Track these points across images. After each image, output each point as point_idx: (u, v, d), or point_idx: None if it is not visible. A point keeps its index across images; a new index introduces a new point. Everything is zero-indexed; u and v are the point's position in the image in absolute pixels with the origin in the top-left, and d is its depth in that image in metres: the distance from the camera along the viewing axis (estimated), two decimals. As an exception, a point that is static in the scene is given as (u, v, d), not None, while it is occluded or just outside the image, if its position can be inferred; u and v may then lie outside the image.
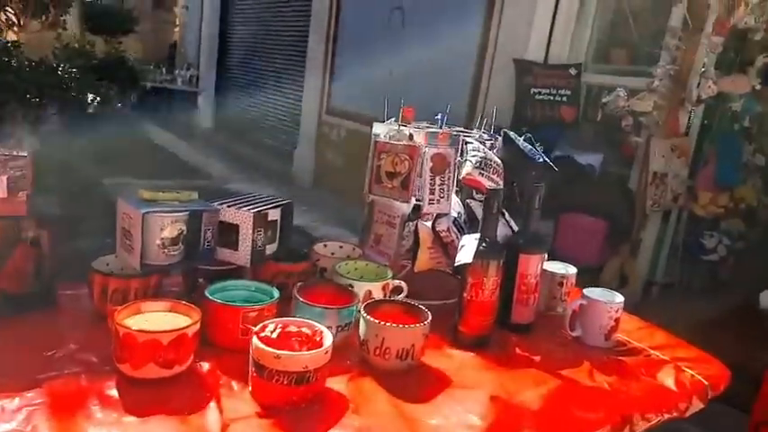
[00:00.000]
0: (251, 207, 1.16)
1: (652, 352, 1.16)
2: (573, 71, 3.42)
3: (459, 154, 1.24)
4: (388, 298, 1.17)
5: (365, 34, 5.05)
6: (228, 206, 1.15)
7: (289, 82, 6.44)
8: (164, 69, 8.43)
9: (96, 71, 3.63)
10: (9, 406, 0.79)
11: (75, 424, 0.78)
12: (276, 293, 1.06)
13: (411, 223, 1.29)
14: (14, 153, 0.96)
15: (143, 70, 5.83)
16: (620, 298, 1.18)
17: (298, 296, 1.06)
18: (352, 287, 1.16)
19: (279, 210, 1.23)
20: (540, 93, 3.43)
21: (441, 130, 1.25)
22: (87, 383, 0.87)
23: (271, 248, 1.22)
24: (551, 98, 3.43)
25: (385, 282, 1.20)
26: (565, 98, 3.41)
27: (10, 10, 2.46)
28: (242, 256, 1.15)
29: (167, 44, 9.47)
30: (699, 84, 2.79)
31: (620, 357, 1.12)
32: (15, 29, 2.58)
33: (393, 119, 1.39)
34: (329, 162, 5.50)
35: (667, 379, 1.06)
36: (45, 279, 1.08)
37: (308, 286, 1.13)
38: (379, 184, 1.32)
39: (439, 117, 1.34)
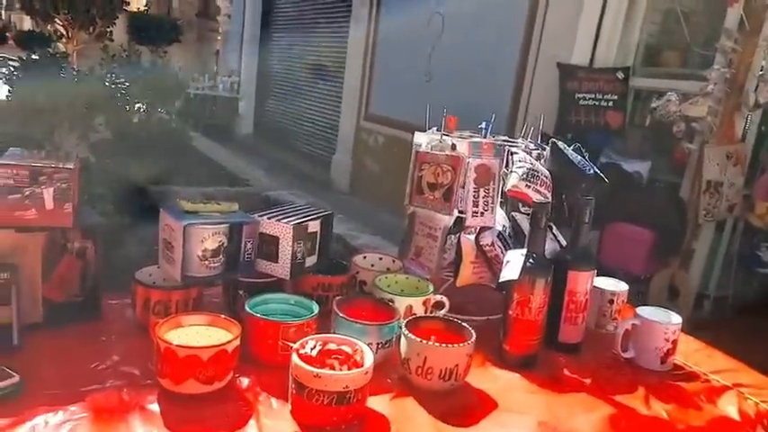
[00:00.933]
0: (291, 219, 1.15)
1: (712, 377, 1.09)
2: (620, 75, 3.32)
3: (504, 165, 1.20)
4: (429, 314, 1.14)
5: (404, 40, 5.03)
6: (268, 218, 1.14)
7: (328, 88, 6.48)
8: (206, 76, 8.62)
9: (142, 80, 3.72)
10: (52, 420, 0.79)
11: (116, 439, 0.78)
12: (316, 308, 1.04)
13: (453, 236, 1.25)
14: (60, 165, 0.97)
15: (187, 78, 5.96)
16: (677, 318, 1.11)
17: (338, 311, 1.04)
18: (393, 302, 1.13)
19: (318, 221, 1.21)
20: (584, 98, 3.34)
21: (485, 140, 1.21)
22: (129, 397, 0.87)
23: (310, 260, 1.21)
24: (597, 103, 3.33)
25: (426, 297, 1.16)
26: (611, 103, 3.30)
27: (59, 22, 2.55)
28: (282, 268, 1.14)
29: (211, 52, 9.69)
30: (756, 87, 2.65)
31: (678, 382, 1.05)
32: (64, 40, 2.67)
33: (435, 128, 1.36)
34: (367, 169, 5.50)
35: (729, 407, 0.99)
36: (90, 289, 1.09)
37: (348, 300, 1.11)
38: (420, 196, 1.29)
39: (483, 126, 1.30)
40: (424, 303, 1.16)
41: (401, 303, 1.13)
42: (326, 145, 6.42)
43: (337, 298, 1.11)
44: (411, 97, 5.09)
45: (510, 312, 1.07)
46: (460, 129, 1.37)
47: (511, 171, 1.15)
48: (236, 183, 5.26)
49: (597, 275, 1.20)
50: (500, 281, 1.08)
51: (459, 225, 1.25)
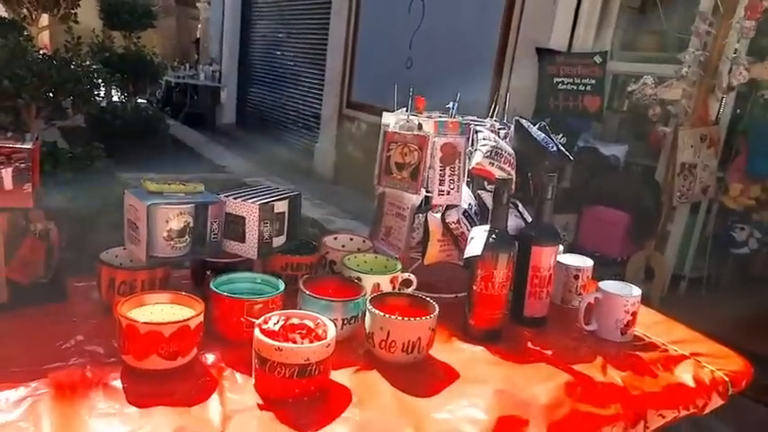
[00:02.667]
0: (257, 199, 1.15)
1: (670, 347, 1.12)
2: (598, 59, 3.34)
3: (469, 143, 1.21)
4: (396, 291, 1.15)
5: (385, 26, 5.01)
6: (234, 198, 1.14)
7: (310, 76, 6.45)
8: (187, 65, 8.52)
9: (114, 66, 3.65)
10: (13, 396, 0.80)
11: (76, 414, 0.78)
12: (281, 286, 1.05)
13: (421, 215, 1.26)
14: (18, 145, 0.96)
15: (163, 65, 5.87)
16: (637, 291, 1.14)
17: (303, 289, 1.05)
18: (360, 280, 1.14)
19: (286, 201, 1.22)
20: (563, 82, 3.36)
21: (450, 119, 1.22)
22: (92, 374, 0.87)
23: (278, 241, 1.21)
24: (575, 88, 3.35)
25: (394, 274, 1.17)
26: (589, 87, 3.33)
27: (25, 5, 2.52)
28: (249, 248, 1.14)
29: (191, 40, 9.57)
30: (730, 70, 2.68)
31: (637, 352, 1.08)
32: (27, 22, 2.62)
33: (404, 108, 1.37)
34: (349, 156, 5.49)
35: (685, 374, 1.02)
36: (55, 271, 1.08)
37: (315, 279, 1.11)
38: (388, 176, 1.30)
39: (450, 106, 1.31)
40: (392, 281, 1.17)
41: (368, 281, 1.14)
42: (309, 133, 6.40)
43: (304, 277, 1.12)
44: (393, 84, 5.08)
45: (474, 288, 1.09)
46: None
47: (475, 149, 1.16)
48: (214, 170, 5.22)
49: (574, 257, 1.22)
50: (464, 257, 1.09)
51: (427, 204, 1.26)
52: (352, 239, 1.40)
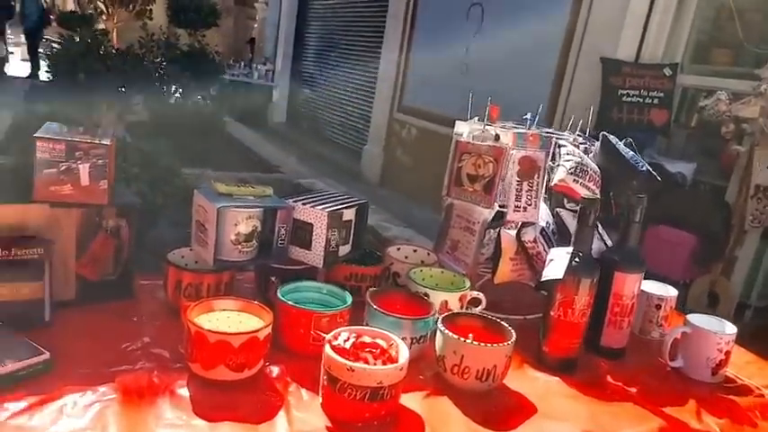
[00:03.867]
0: (326, 206, 1.12)
1: (766, 391, 1.02)
2: (668, 71, 3.19)
3: (549, 158, 1.14)
4: (465, 310, 1.10)
5: (442, 31, 4.95)
6: (303, 204, 1.11)
7: (362, 78, 6.45)
8: (242, 63, 8.67)
9: (180, 63, 3.70)
10: (81, 401, 0.78)
11: (144, 423, 0.76)
12: (349, 299, 1.01)
13: (492, 231, 1.20)
14: (97, 141, 0.95)
15: (223, 64, 5.95)
16: (731, 328, 1.05)
17: (371, 303, 1.00)
18: (428, 296, 1.09)
19: (354, 210, 1.18)
20: (628, 94, 3.23)
21: (530, 131, 1.16)
22: (159, 380, 0.85)
23: (344, 249, 1.17)
24: (641, 100, 3.21)
25: (463, 292, 1.12)
26: (656, 100, 3.19)
27: (100, 0, 2.55)
28: (315, 256, 1.11)
29: (246, 39, 9.75)
30: (814, 89, 2.51)
31: (730, 396, 0.99)
32: (104, 17, 2.66)
33: (476, 117, 1.31)
34: (398, 161, 5.45)
35: (787, 426, 0.93)
36: (123, 268, 1.07)
37: (381, 293, 1.07)
38: (459, 187, 1.24)
39: (528, 117, 1.25)
40: (461, 299, 1.12)
41: (436, 298, 1.09)
42: (358, 135, 6.39)
43: (371, 289, 1.07)
44: (446, 89, 5.02)
45: (552, 313, 1.02)
46: (503, 121, 1.31)
47: (558, 164, 1.10)
48: (268, 169, 5.23)
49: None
50: (542, 279, 1.03)
51: (499, 219, 1.20)
52: (415, 251, 1.35)
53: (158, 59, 2.52)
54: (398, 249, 1.33)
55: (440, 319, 0.96)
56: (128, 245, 1.06)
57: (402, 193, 5.12)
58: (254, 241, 1.07)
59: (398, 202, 4.86)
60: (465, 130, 1.26)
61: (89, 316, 1.00)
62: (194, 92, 4.35)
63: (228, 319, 0.92)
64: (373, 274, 1.19)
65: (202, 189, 1.08)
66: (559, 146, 1.12)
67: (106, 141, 0.96)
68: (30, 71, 9.06)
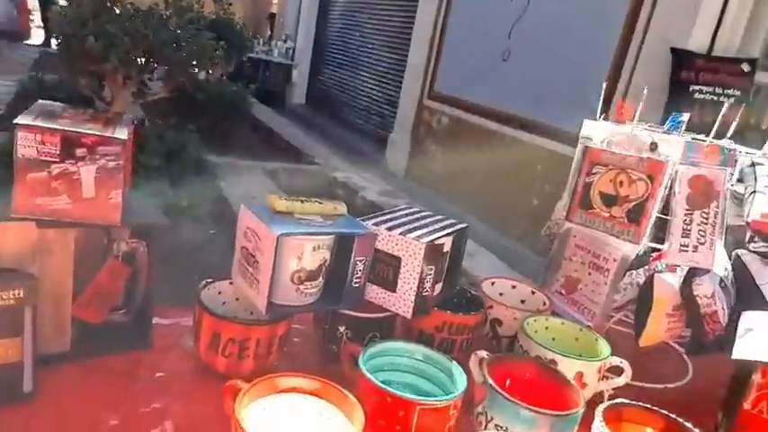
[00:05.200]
0: (419, 232, 0.81)
1: None
2: (746, 67, 2.84)
3: (729, 180, 0.83)
4: (631, 401, 0.79)
5: (482, 12, 4.59)
6: (390, 229, 0.80)
7: (389, 61, 6.10)
8: (261, 40, 8.31)
9: (206, 33, 3.33)
10: None
11: None
12: (463, 379, 0.70)
13: (635, 273, 0.89)
14: (108, 134, 0.65)
15: (250, 38, 5.48)
16: None
17: (492, 383, 0.70)
18: (555, 363, 0.79)
19: (451, 238, 0.87)
20: (701, 91, 2.88)
21: (707, 141, 0.84)
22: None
23: (438, 288, 0.87)
24: (714, 98, 2.86)
25: (602, 361, 0.81)
26: (732, 99, 2.84)
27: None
28: (402, 301, 0.80)
29: (266, 14, 9.38)
30: None
31: None
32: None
33: (602, 116, 0.99)
34: (426, 151, 5.12)
35: None
36: (139, 308, 0.77)
37: (497, 362, 0.76)
38: (586, 210, 0.93)
39: (682, 119, 0.93)
40: (599, 370, 0.81)
41: (568, 367, 0.79)
42: (383, 122, 6.05)
43: (482, 355, 0.77)
44: (484, 77, 4.66)
45: (744, 405, 0.71)
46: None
47: (753, 191, 0.78)
48: (299, 158, 4.81)
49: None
50: (737, 356, 0.72)
51: (642, 259, 0.89)
52: (514, 287, 1.04)
53: (185, 25, 2.13)
54: (493, 284, 1.03)
55: (600, 414, 0.66)
56: (146, 276, 0.76)
57: (431, 186, 4.80)
58: (321, 279, 0.77)
59: (427, 197, 4.54)
60: (597, 132, 0.94)
61: (89, 377, 0.71)
62: (219, 68, 3.99)
63: (294, 407, 0.62)
64: (473, 324, 0.88)
65: (252, 206, 0.77)
66: (754, 164, 0.80)
67: (122, 135, 0.65)
68: (43, 38, 8.72)
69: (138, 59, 1.93)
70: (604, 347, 0.84)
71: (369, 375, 0.66)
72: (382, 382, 0.67)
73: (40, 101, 0.72)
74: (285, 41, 7.98)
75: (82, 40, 1.77)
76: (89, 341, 0.74)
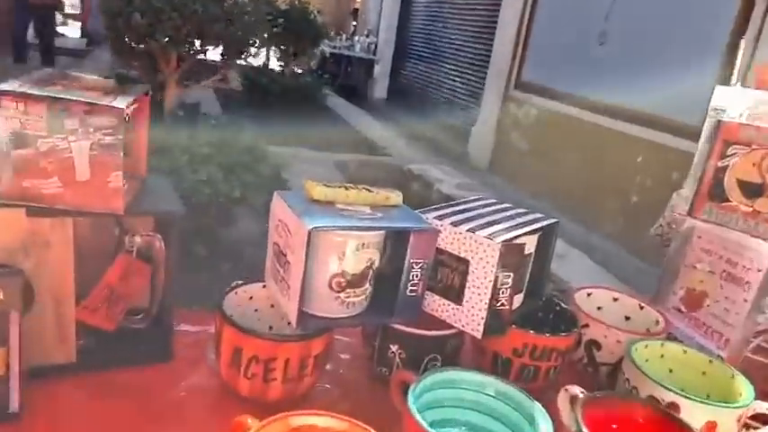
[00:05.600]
0: (495, 230, 0.64)
1: None
2: None
3: None
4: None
5: (574, -5, 4.25)
6: (456, 224, 0.64)
7: (473, 52, 5.86)
8: (343, 36, 8.31)
9: (274, 24, 3.25)
10: None
11: None
12: (547, 425, 0.52)
13: (790, 288, 0.66)
14: (106, 102, 0.53)
15: (325, 30, 5.36)
16: None
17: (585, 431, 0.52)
18: (677, 408, 0.59)
19: (535, 237, 0.69)
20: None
21: None
22: None
23: (517, 301, 0.69)
24: None
25: (744, 407, 0.60)
26: None
27: None
28: (470, 316, 0.63)
29: (349, 9, 9.39)
30: None
31: None
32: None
33: (737, 82, 0.76)
34: (511, 144, 4.84)
35: None
36: (157, 312, 0.66)
37: (595, 402, 0.58)
38: (718, 204, 0.71)
39: None
40: (739, 419, 0.60)
41: (694, 414, 0.58)
42: (465, 114, 5.82)
43: (574, 391, 0.58)
44: (576, 64, 4.32)
45: None
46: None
47: None
48: (373, 150, 4.70)
49: None
50: None
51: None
52: (617, 299, 0.84)
53: (253, 10, 1.99)
54: (589, 295, 0.83)
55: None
56: (165, 274, 0.65)
57: (515, 181, 4.53)
58: (368, 285, 0.62)
59: (511, 193, 4.28)
60: (735, 102, 0.72)
61: (94, 394, 0.60)
62: (292, 58, 3.93)
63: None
64: (564, 348, 0.69)
65: (286, 193, 0.64)
66: None
67: (120, 104, 0.53)
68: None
69: (189, 38, 1.85)
70: (744, 387, 0.62)
71: (417, 417, 0.49)
72: (440, 422, 0.51)
73: (47, 69, 0.62)
74: (367, 36, 7.92)
75: (128, 17, 1.72)
76: (99, 351, 0.64)
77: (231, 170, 1.72)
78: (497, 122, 5.03)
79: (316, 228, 0.56)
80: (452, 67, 6.31)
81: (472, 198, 0.77)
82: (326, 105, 5.35)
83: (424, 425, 0.48)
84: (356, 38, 8.23)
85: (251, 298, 0.68)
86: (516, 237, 0.63)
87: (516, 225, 0.67)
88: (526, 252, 0.67)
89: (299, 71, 4.40)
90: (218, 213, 1.71)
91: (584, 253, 2.80)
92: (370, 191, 0.65)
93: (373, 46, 7.86)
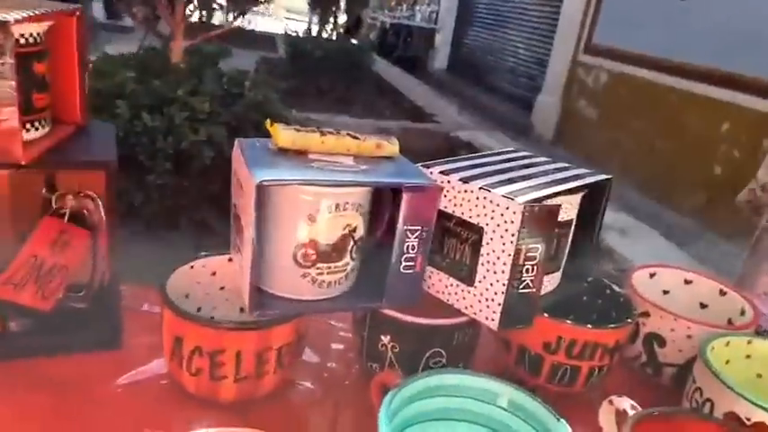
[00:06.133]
0: (519, 187, 0.47)
1: None
2: None
3: None
4: None
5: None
6: (466, 180, 0.48)
7: (540, 15, 5.49)
8: (404, 6, 8.06)
9: None
10: None
11: None
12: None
13: None
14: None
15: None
16: None
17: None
18: (754, 426, 0.42)
19: (577, 197, 0.52)
20: None
21: None
22: None
23: (551, 282, 0.53)
24: None
25: None
26: None
27: None
28: (484, 300, 0.48)
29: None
30: None
31: None
32: None
33: None
34: (579, 114, 4.50)
35: None
36: (98, 288, 0.55)
37: (651, 420, 0.41)
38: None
39: None
40: None
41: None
42: (531, 84, 5.49)
43: (622, 405, 0.42)
44: (654, 22, 3.91)
45: None
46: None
47: None
48: (420, 117, 4.51)
49: None
50: None
51: None
52: (689, 282, 0.65)
53: None
54: (653, 276, 0.65)
55: None
56: (105, 241, 0.53)
57: (583, 154, 4.21)
58: (348, 259, 0.48)
59: (575, 162, 3.97)
60: None
61: (13, 388, 0.50)
62: (333, 24, 3.74)
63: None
64: (613, 344, 0.52)
65: (249, 141, 0.50)
66: None
67: (6, 16, 0.41)
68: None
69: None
70: None
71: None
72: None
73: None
74: (428, 5, 7.64)
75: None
76: (31, 335, 0.53)
77: (237, 131, 1.61)
78: (564, 90, 4.69)
79: (265, 181, 0.42)
80: (517, 34, 5.96)
81: (498, 150, 0.60)
82: (377, 74, 5.16)
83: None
84: (417, 7, 7.96)
85: (214, 273, 0.56)
86: (548, 196, 0.47)
87: (549, 182, 0.50)
88: (563, 218, 0.50)
89: (346, 35, 4.19)
90: (224, 179, 1.60)
91: (654, 229, 2.51)
92: (355, 137, 0.50)
93: (434, 14, 7.58)
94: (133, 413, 0.49)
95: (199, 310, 0.55)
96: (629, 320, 0.53)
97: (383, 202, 0.49)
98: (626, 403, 0.43)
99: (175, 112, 1.62)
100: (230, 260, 0.55)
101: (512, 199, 0.45)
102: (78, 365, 0.53)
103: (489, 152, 0.58)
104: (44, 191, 0.51)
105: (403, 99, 5.11)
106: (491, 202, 0.46)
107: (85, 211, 0.52)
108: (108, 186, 0.49)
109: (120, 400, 0.50)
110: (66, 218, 0.52)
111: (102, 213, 0.51)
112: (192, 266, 0.54)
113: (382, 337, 0.51)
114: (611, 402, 0.44)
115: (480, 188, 0.47)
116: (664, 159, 3.43)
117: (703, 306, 0.64)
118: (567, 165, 0.57)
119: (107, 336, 0.55)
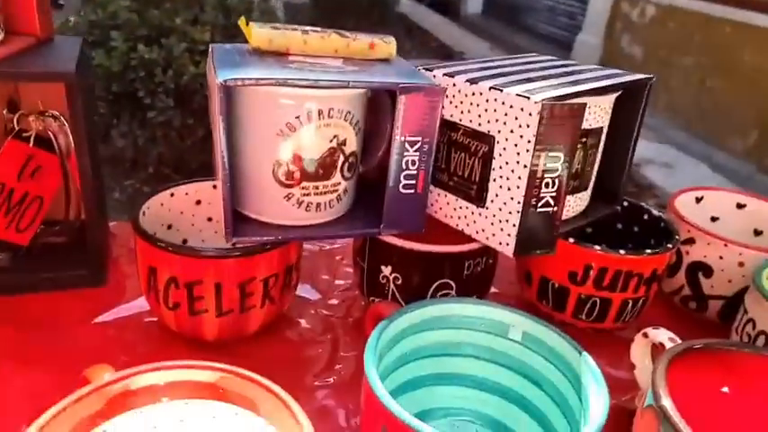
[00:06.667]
0: (537, 86, 0.40)
1: None
2: None
3: None
4: None
5: None
6: (473, 82, 0.41)
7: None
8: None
9: None
10: None
11: None
12: (602, 395, 0.30)
13: None
14: None
15: None
16: None
17: (669, 407, 0.29)
18: None
19: (610, 99, 0.44)
20: None
21: None
22: None
23: (577, 204, 0.46)
24: None
25: None
26: None
27: None
28: (497, 223, 0.41)
29: None
30: None
31: None
32: None
33: None
34: (621, 55, 4.24)
35: None
36: (75, 219, 0.50)
37: (694, 354, 0.34)
38: None
39: None
40: None
41: None
42: (570, 24, 5.19)
43: (659, 337, 0.35)
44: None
45: None
46: None
47: None
48: (447, 55, 4.35)
49: None
50: None
51: None
52: (742, 206, 0.57)
53: None
54: (699, 200, 0.57)
55: None
56: (83, 165, 0.48)
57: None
58: (339, 178, 0.41)
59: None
60: None
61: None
62: None
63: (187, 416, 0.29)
64: (651, 272, 0.45)
65: (224, 46, 0.44)
66: None
67: None
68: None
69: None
70: None
71: (373, 378, 0.29)
72: (434, 377, 0.31)
73: None
74: (461, -56, 7.24)
75: None
76: (9, 271, 0.49)
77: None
78: (606, 27, 4.42)
79: (230, 80, 0.35)
80: (556, -30, 5.61)
81: (517, 56, 0.52)
82: (402, 13, 4.98)
83: (381, 391, 0.28)
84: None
85: (198, 202, 0.50)
86: (572, 95, 0.39)
87: (574, 81, 0.42)
88: (591, 124, 0.42)
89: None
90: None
91: (702, 163, 2.34)
92: (343, 35, 0.43)
93: (468, -46, 7.19)
94: (110, 350, 0.45)
95: (185, 242, 0.50)
96: (669, 247, 0.46)
97: (382, 117, 0.42)
98: (664, 335, 0.36)
99: (174, 44, 1.54)
100: (215, 187, 0.50)
101: (527, 98, 0.37)
102: (57, 302, 0.49)
103: (505, 56, 0.50)
104: (5, 111, 0.47)
105: (429, 38, 4.95)
106: (503, 103, 0.39)
107: (51, 134, 0.47)
108: (71, 102, 0.44)
109: (96, 337, 0.46)
110: (31, 142, 0.47)
111: (69, 135, 0.46)
112: (172, 194, 0.48)
113: (383, 268, 0.45)
114: (645, 335, 0.37)
115: (490, 88, 0.40)
116: (714, 98, 3.20)
117: (758, 233, 0.56)
118: (596, 66, 0.48)
119: (89, 272, 0.51)
